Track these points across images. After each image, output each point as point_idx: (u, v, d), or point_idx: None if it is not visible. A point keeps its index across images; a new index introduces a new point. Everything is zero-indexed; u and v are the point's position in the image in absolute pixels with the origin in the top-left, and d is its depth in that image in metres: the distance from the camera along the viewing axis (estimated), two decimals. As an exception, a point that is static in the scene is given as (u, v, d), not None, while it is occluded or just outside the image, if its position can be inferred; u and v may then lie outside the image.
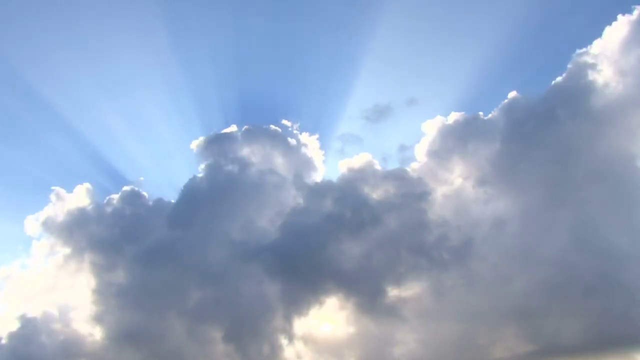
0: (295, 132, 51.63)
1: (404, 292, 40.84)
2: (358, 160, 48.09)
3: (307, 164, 50.68)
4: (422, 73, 78.24)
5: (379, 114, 52.48)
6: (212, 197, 47.67)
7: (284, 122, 52.03)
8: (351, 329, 41.88)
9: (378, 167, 47.65)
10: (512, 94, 46.38)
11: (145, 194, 51.21)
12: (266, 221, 44.38)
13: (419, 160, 47.50)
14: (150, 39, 78.75)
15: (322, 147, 52.22)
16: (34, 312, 46.67)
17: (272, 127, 51.69)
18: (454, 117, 47.86)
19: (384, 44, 73.51)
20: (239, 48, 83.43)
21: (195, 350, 40.97)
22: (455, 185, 44.82)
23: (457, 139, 46.73)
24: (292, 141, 50.89)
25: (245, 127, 52.08)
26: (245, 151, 50.76)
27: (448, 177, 45.67)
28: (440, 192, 44.64)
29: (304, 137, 51.63)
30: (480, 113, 47.79)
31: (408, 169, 46.94)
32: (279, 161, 50.13)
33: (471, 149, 45.87)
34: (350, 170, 47.48)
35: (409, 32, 77.00)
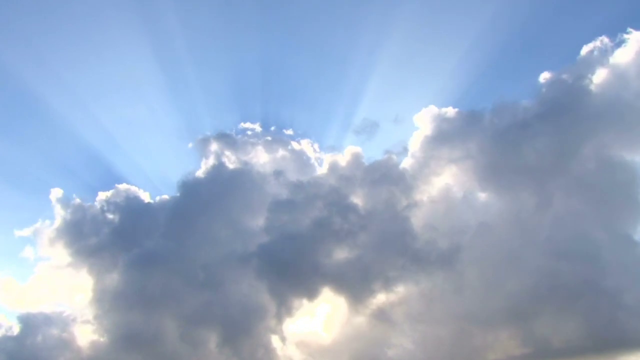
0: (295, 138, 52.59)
1: (395, 295, 41.09)
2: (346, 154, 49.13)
3: (304, 168, 51.32)
4: (415, 90, 78.73)
5: (368, 128, 53.65)
6: (208, 197, 47.95)
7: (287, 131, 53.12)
8: (344, 332, 42.36)
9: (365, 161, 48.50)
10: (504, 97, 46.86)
11: (142, 193, 51.85)
12: (257, 223, 44.82)
13: (411, 157, 47.76)
14: (148, 41, 79.01)
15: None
16: (31, 314, 47.27)
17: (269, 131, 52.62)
18: (448, 111, 48.15)
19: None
20: (238, 58, 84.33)
21: (190, 352, 41.38)
22: (444, 188, 45.14)
23: (450, 134, 46.78)
24: (290, 145, 51.88)
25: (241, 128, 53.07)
26: (242, 153, 51.50)
27: (438, 179, 45.92)
28: (429, 194, 45.08)
29: (304, 143, 52.43)
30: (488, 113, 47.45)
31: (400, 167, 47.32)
32: (277, 164, 50.72)
33: (463, 149, 45.80)
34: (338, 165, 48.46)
35: (407, 53, 77.75)
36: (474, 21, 74.26)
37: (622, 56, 43.75)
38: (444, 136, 46.77)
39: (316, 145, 52.99)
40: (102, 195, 51.66)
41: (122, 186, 52.24)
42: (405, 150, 48.01)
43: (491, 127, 45.61)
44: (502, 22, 68.37)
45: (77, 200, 51.39)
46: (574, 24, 74.36)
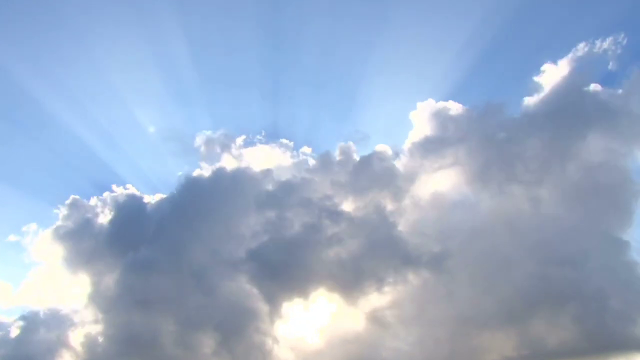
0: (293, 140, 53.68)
1: (389, 297, 41.42)
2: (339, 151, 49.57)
3: (298, 171, 51.67)
4: (411, 90, 78.88)
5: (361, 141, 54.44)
6: (205, 200, 48.23)
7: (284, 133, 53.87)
8: (338, 334, 42.41)
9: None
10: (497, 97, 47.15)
11: (140, 194, 52.25)
12: (252, 225, 45.08)
13: (406, 154, 48.01)
14: (148, 42, 79.19)
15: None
16: (28, 316, 47.87)
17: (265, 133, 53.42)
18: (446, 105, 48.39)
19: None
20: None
21: (187, 354, 41.74)
22: (436, 189, 45.38)
23: (444, 134, 46.95)
24: (287, 148, 53.00)
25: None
26: (239, 156, 52.11)
27: (431, 180, 45.96)
28: (421, 195, 45.36)
29: (301, 145, 53.05)
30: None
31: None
32: (272, 166, 51.25)
33: (455, 150, 45.86)
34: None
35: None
36: (467, 20, 74.21)
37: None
38: (439, 136, 47.12)
39: (311, 149, 53.67)
40: (100, 197, 52.36)
41: (120, 188, 52.86)
42: (396, 154, 48.49)
43: (483, 128, 46.01)
44: (496, 19, 68.60)
45: (76, 203, 51.91)
46: (571, 21, 74.16)
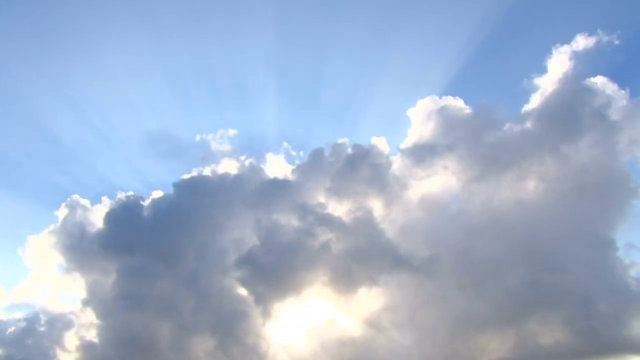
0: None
1: (383, 300, 41.41)
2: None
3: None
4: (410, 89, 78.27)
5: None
6: (201, 202, 48.11)
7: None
8: (333, 337, 42.41)
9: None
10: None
11: (137, 197, 52.12)
12: (245, 228, 45.06)
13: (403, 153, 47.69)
14: (148, 43, 79.23)
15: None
16: (25, 317, 48.23)
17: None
18: (442, 103, 48.00)
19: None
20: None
21: (182, 358, 41.84)
22: (432, 194, 45.18)
23: (443, 132, 46.72)
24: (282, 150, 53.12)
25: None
26: (239, 159, 52.17)
27: (424, 182, 45.81)
28: (415, 199, 45.10)
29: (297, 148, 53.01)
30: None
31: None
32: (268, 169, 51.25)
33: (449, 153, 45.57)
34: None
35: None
36: (468, 18, 73.82)
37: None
38: (437, 135, 46.90)
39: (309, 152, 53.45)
40: (98, 199, 52.38)
41: (119, 191, 52.99)
42: (386, 158, 47.85)
43: (481, 129, 45.67)
44: (496, 17, 68.31)
45: (73, 205, 51.95)
46: (574, 18, 73.42)
